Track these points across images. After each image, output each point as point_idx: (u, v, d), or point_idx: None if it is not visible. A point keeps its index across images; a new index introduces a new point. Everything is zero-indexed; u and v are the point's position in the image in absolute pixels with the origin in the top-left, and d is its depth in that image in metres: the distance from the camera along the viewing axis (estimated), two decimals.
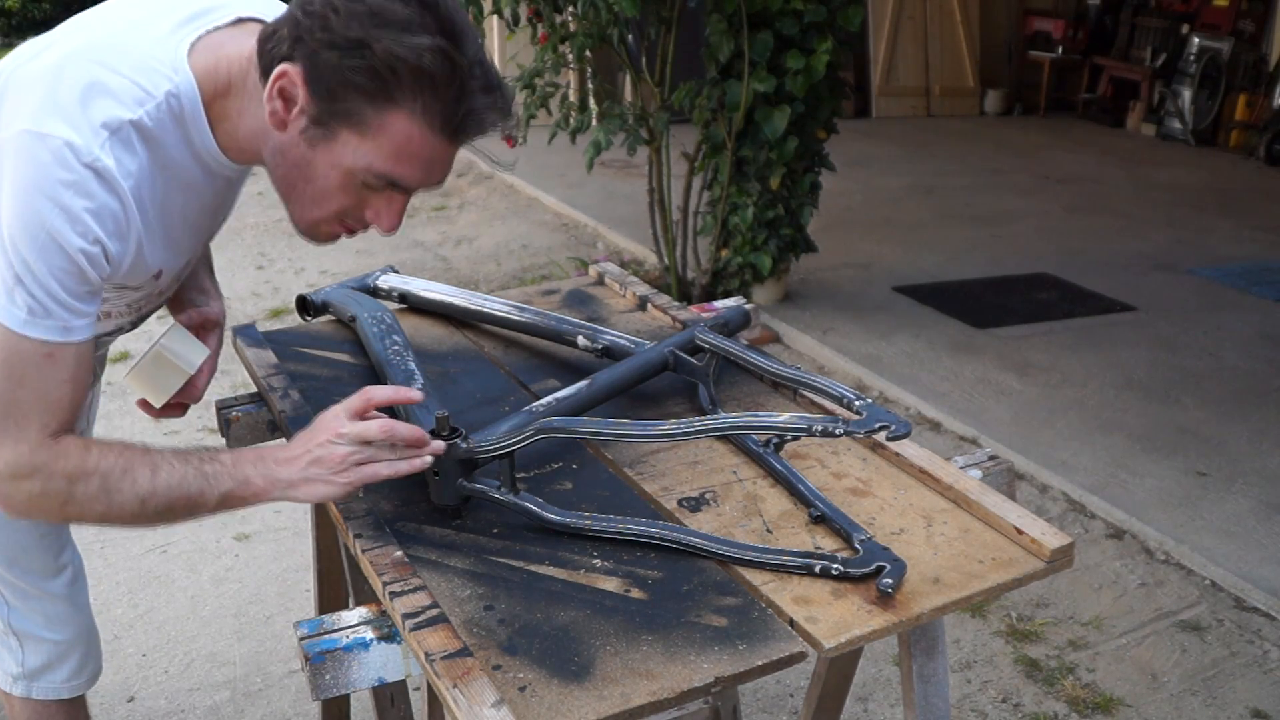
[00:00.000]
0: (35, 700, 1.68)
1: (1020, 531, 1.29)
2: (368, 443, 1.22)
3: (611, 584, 1.20)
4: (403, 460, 1.24)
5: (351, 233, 1.28)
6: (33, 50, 1.22)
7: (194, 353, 1.48)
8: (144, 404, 1.52)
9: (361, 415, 1.24)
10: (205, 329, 1.55)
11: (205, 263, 1.64)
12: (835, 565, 1.20)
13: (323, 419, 1.25)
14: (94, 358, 1.33)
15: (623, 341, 1.68)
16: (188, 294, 1.56)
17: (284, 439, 1.53)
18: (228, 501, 1.24)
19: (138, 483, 1.20)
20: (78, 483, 1.18)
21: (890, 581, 1.17)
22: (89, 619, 1.70)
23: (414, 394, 1.32)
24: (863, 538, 1.25)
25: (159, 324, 1.59)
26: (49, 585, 1.61)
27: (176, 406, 1.53)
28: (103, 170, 1.13)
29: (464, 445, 1.30)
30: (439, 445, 1.26)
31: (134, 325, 1.53)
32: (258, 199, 6.35)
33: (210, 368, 1.51)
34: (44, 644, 1.64)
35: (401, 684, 1.40)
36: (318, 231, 1.28)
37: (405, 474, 1.24)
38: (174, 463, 1.22)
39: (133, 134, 1.17)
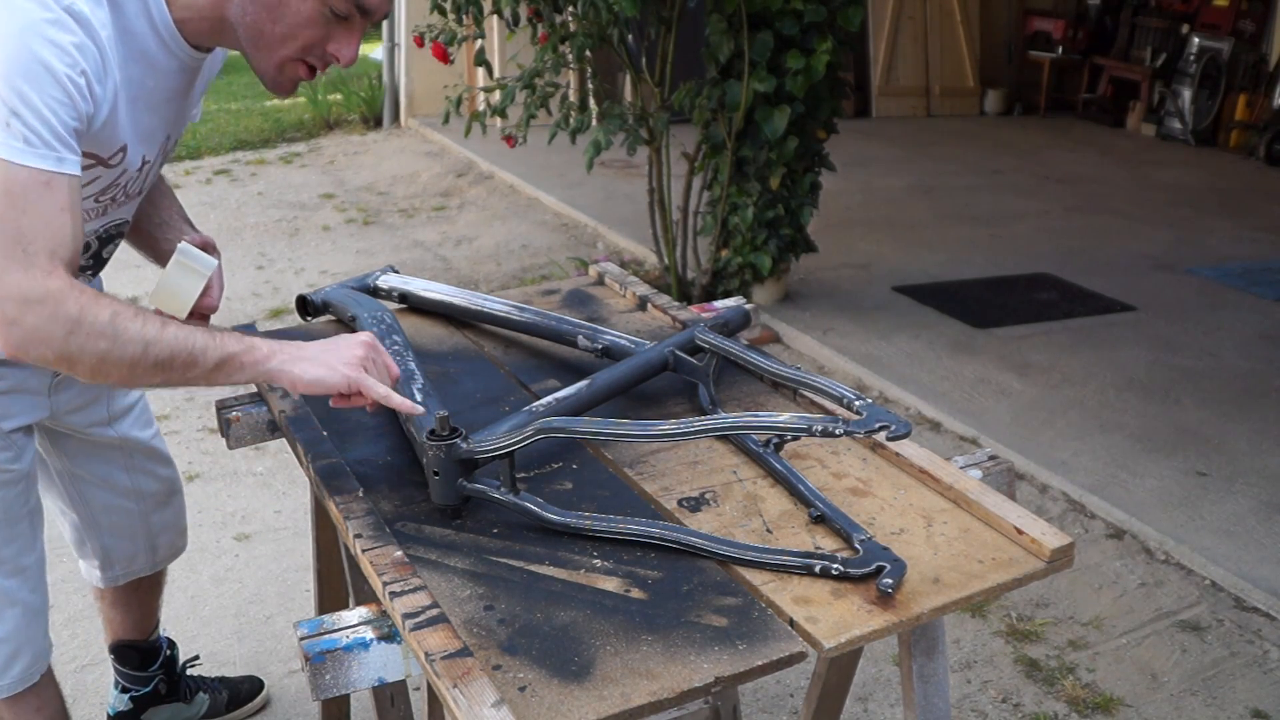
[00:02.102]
0: None
1: (1020, 531, 1.29)
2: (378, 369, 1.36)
3: (611, 584, 1.20)
4: (395, 394, 1.34)
5: (312, 72, 1.39)
6: None
7: (206, 260, 1.55)
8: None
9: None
10: (205, 249, 1.61)
11: (181, 215, 1.71)
12: (835, 565, 1.20)
13: (354, 334, 1.37)
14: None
15: (623, 341, 1.68)
16: (175, 241, 1.61)
17: (284, 439, 1.54)
18: (226, 365, 1.29)
19: (146, 326, 1.24)
20: (88, 312, 1.22)
21: (890, 581, 1.17)
22: (26, 621, 1.64)
23: (417, 409, 1.37)
24: (863, 538, 1.25)
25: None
26: None
27: (200, 319, 1.57)
28: (78, 15, 1.24)
29: (464, 445, 1.30)
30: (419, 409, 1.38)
31: (96, 264, 1.55)
32: (258, 199, 6.36)
33: (219, 282, 1.57)
34: None
35: (401, 684, 1.40)
36: (283, 75, 1.38)
37: (392, 406, 1.34)
38: (183, 325, 1.28)
39: None
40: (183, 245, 1.55)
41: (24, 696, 1.68)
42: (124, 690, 2.17)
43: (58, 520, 1.91)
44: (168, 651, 2.20)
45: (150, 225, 1.65)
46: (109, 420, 1.82)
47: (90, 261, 1.55)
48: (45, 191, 1.22)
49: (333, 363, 1.30)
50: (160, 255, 1.64)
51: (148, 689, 2.17)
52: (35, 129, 1.20)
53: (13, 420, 1.56)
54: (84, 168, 1.31)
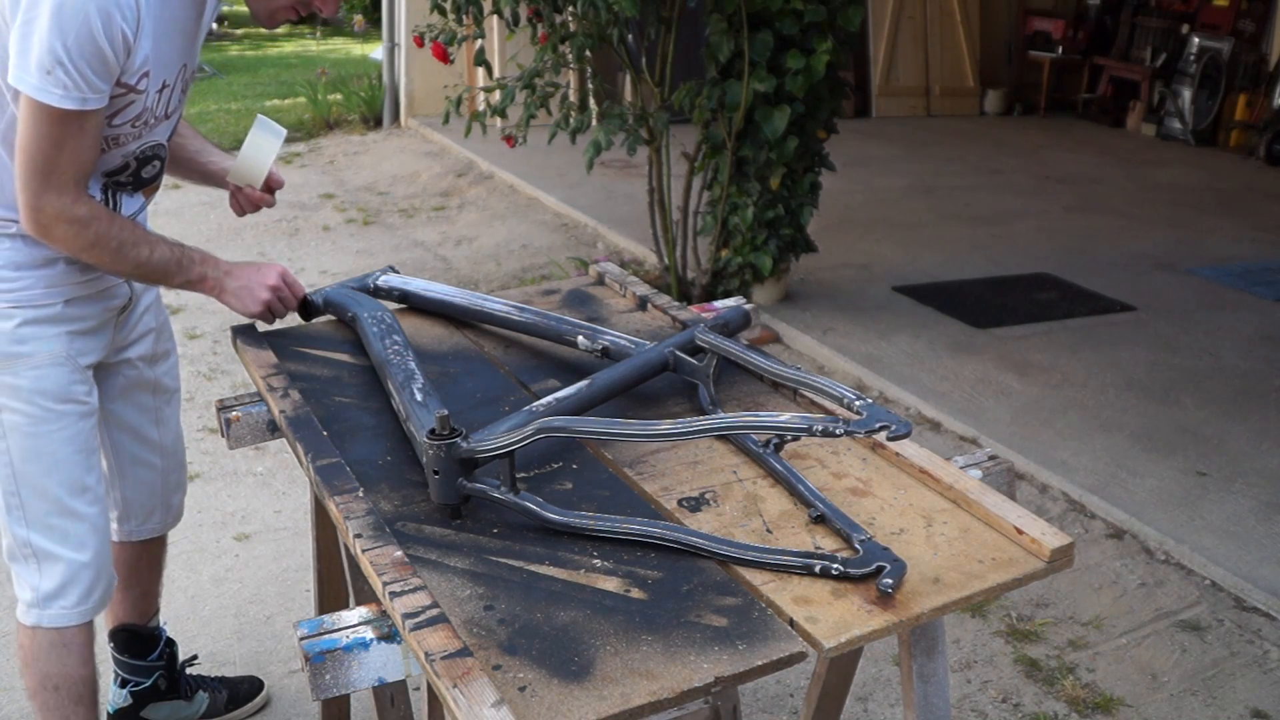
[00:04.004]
0: (45, 629, 1.78)
1: (1020, 531, 1.29)
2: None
3: (611, 584, 1.20)
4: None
5: (297, 15, 1.70)
6: None
7: (278, 127, 1.87)
8: (240, 198, 1.92)
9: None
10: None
11: (211, 143, 2.01)
12: (835, 565, 1.20)
13: (267, 270, 1.76)
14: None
15: (622, 342, 1.68)
16: (215, 161, 1.95)
17: (284, 439, 1.54)
18: (185, 285, 1.72)
19: (139, 253, 1.65)
20: (101, 240, 1.60)
21: (890, 581, 1.17)
22: (104, 548, 1.82)
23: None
24: (863, 538, 1.25)
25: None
26: (73, 502, 1.74)
27: (269, 192, 1.93)
28: None
29: (464, 445, 1.30)
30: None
31: (136, 182, 1.74)
32: None
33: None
34: (60, 563, 1.75)
35: (401, 684, 1.40)
36: (276, 18, 1.70)
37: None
38: (164, 249, 1.69)
39: None
40: (260, 116, 1.86)
41: (77, 645, 1.81)
42: (123, 684, 2.17)
43: None
44: (167, 649, 2.21)
45: (190, 154, 1.94)
46: (151, 359, 1.95)
47: (130, 179, 1.73)
48: (78, 132, 1.51)
49: (248, 303, 1.74)
50: (208, 175, 1.95)
51: (148, 683, 2.18)
52: (74, 79, 1.46)
53: (88, 357, 1.76)
54: (117, 96, 1.56)
